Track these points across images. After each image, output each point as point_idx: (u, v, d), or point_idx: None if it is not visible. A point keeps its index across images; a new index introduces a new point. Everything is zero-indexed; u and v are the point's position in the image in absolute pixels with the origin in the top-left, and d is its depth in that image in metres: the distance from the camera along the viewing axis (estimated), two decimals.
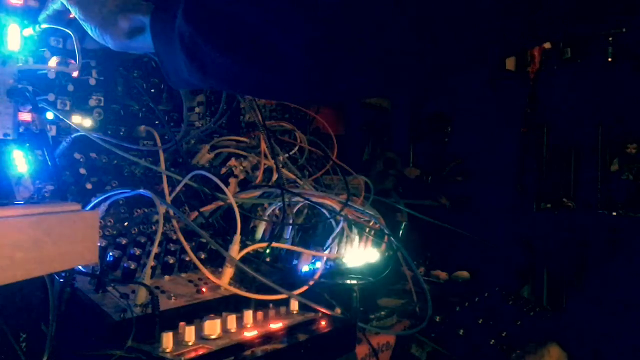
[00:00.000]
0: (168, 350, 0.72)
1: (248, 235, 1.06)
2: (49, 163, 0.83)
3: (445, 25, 0.56)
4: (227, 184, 1.06)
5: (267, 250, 1.02)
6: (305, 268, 1.07)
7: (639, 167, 1.79)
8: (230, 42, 0.63)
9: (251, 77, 0.67)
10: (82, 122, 0.93)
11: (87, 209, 0.83)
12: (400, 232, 1.50)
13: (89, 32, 0.79)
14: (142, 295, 0.78)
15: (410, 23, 0.56)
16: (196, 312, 0.83)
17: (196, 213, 0.99)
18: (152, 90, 1.07)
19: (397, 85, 0.71)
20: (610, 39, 1.80)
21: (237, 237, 0.92)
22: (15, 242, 0.49)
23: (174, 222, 0.92)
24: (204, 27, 0.65)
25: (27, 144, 0.83)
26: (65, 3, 0.79)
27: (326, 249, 1.12)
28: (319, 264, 1.08)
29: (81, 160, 0.92)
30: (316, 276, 1.05)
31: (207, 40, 0.64)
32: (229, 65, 0.65)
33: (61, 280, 0.72)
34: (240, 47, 0.63)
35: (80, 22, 0.79)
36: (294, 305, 0.93)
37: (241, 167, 1.12)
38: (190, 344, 0.74)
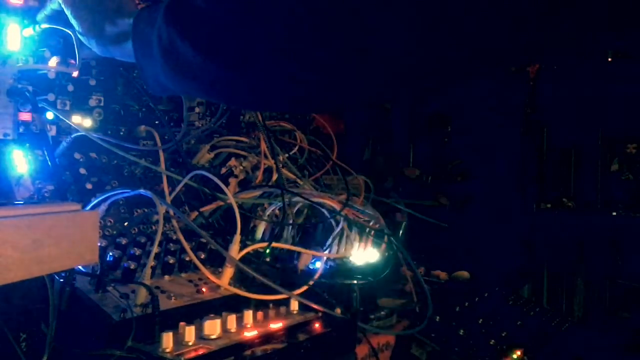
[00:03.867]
0: (168, 350, 0.72)
1: (248, 235, 1.06)
2: (49, 163, 0.83)
3: (449, 32, 0.55)
4: (227, 184, 1.06)
5: (267, 250, 1.01)
6: (305, 268, 1.07)
7: (639, 167, 1.80)
8: (209, 43, 0.62)
9: (230, 83, 0.64)
10: (82, 122, 0.93)
11: (87, 209, 0.83)
12: (400, 232, 1.50)
13: (78, 35, 0.79)
14: (142, 295, 0.78)
15: (411, 35, 0.55)
16: (196, 312, 0.83)
17: (196, 213, 0.99)
18: None
19: (390, 93, 0.70)
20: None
21: (237, 237, 0.92)
22: (15, 242, 0.49)
23: (174, 222, 0.92)
24: (183, 26, 0.64)
25: (27, 144, 0.83)
26: (61, 3, 0.78)
27: (326, 249, 1.12)
28: (319, 264, 1.08)
29: (81, 160, 0.92)
30: (316, 276, 1.05)
31: (184, 39, 0.63)
32: (209, 68, 0.63)
33: (61, 280, 0.72)
34: (220, 49, 0.61)
35: (76, 31, 0.79)
36: (294, 305, 0.93)
37: (241, 167, 1.12)
38: (190, 344, 0.74)
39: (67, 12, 0.78)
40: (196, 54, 0.62)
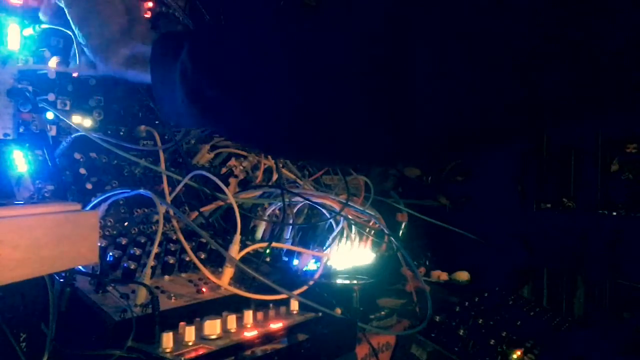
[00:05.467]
0: (168, 350, 0.72)
1: (248, 235, 1.06)
2: (49, 163, 0.83)
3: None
4: (227, 184, 1.06)
5: (267, 250, 1.02)
6: (305, 268, 1.07)
7: (639, 167, 1.80)
8: (236, 88, 0.60)
9: (259, 129, 0.63)
10: (82, 122, 0.93)
11: (87, 209, 0.83)
12: (400, 232, 1.50)
13: (87, 52, 0.78)
14: (142, 295, 0.78)
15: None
16: (196, 312, 0.83)
17: (196, 213, 0.99)
18: None
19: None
20: None
21: (237, 237, 0.92)
22: (15, 242, 0.49)
23: (174, 222, 0.92)
24: (210, 69, 0.62)
25: (27, 144, 0.83)
26: (69, 17, 0.77)
27: (326, 249, 1.12)
28: (319, 264, 1.08)
29: (81, 160, 0.92)
30: (316, 276, 1.05)
31: (213, 84, 0.62)
32: (232, 110, 0.62)
33: (61, 280, 0.72)
34: (246, 95, 0.60)
35: (81, 43, 0.78)
36: (294, 305, 0.93)
37: (241, 167, 1.12)
38: (190, 344, 0.74)
39: (77, 30, 0.77)
40: (223, 98, 0.61)
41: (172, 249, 0.92)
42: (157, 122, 1.06)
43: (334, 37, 0.54)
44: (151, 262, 0.83)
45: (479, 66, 0.48)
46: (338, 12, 0.55)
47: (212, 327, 0.77)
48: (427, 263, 1.62)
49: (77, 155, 0.91)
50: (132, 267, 0.82)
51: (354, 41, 0.52)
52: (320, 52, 0.54)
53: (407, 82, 0.49)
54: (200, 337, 0.76)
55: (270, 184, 1.13)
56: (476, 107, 0.50)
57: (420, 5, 0.50)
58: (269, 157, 1.14)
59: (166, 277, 0.89)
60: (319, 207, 1.11)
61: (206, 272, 0.89)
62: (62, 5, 0.78)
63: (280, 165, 1.16)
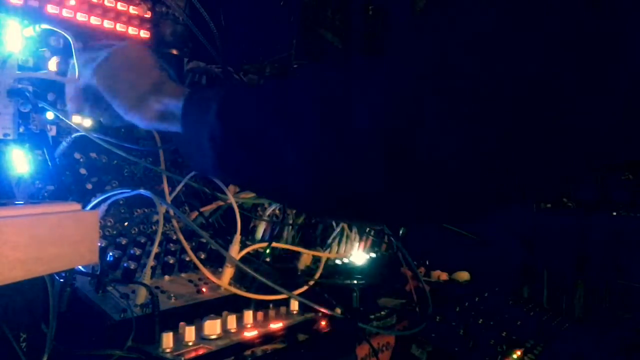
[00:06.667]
0: (168, 350, 0.72)
1: (248, 235, 1.06)
2: (49, 163, 0.83)
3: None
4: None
5: (267, 250, 1.02)
6: (305, 268, 1.07)
7: (639, 167, 1.80)
8: (264, 151, 0.61)
9: (282, 189, 0.65)
10: (82, 122, 0.93)
11: (87, 209, 0.83)
12: (400, 232, 1.50)
13: (117, 109, 0.77)
14: (142, 295, 0.78)
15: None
16: (196, 312, 0.83)
17: (196, 213, 0.99)
18: None
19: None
20: None
21: (237, 237, 0.92)
22: (15, 242, 0.49)
23: (174, 222, 0.92)
24: (238, 130, 0.63)
25: (27, 144, 0.83)
26: (95, 79, 0.77)
27: (326, 249, 1.12)
28: (319, 264, 1.08)
29: (81, 160, 0.92)
30: (316, 276, 1.05)
31: (237, 144, 0.63)
32: (261, 172, 0.63)
33: (61, 280, 0.72)
34: (274, 159, 0.61)
35: (109, 99, 0.77)
36: (294, 305, 0.93)
37: None
38: (190, 344, 0.74)
39: (101, 88, 0.77)
40: (251, 161, 0.62)
41: (172, 249, 0.93)
42: None
43: (359, 107, 0.55)
44: (151, 262, 0.83)
45: (495, 131, 0.49)
46: (367, 81, 0.56)
47: (212, 327, 0.77)
48: (427, 263, 1.62)
49: (77, 155, 0.91)
50: (132, 267, 0.82)
51: (374, 112, 0.54)
52: (343, 118, 0.55)
53: (422, 152, 0.51)
54: (200, 337, 0.76)
55: None
56: (498, 169, 0.51)
57: (432, 83, 0.51)
58: None
59: (166, 277, 0.89)
60: None
61: (206, 272, 0.89)
62: (89, 71, 0.78)
63: None
